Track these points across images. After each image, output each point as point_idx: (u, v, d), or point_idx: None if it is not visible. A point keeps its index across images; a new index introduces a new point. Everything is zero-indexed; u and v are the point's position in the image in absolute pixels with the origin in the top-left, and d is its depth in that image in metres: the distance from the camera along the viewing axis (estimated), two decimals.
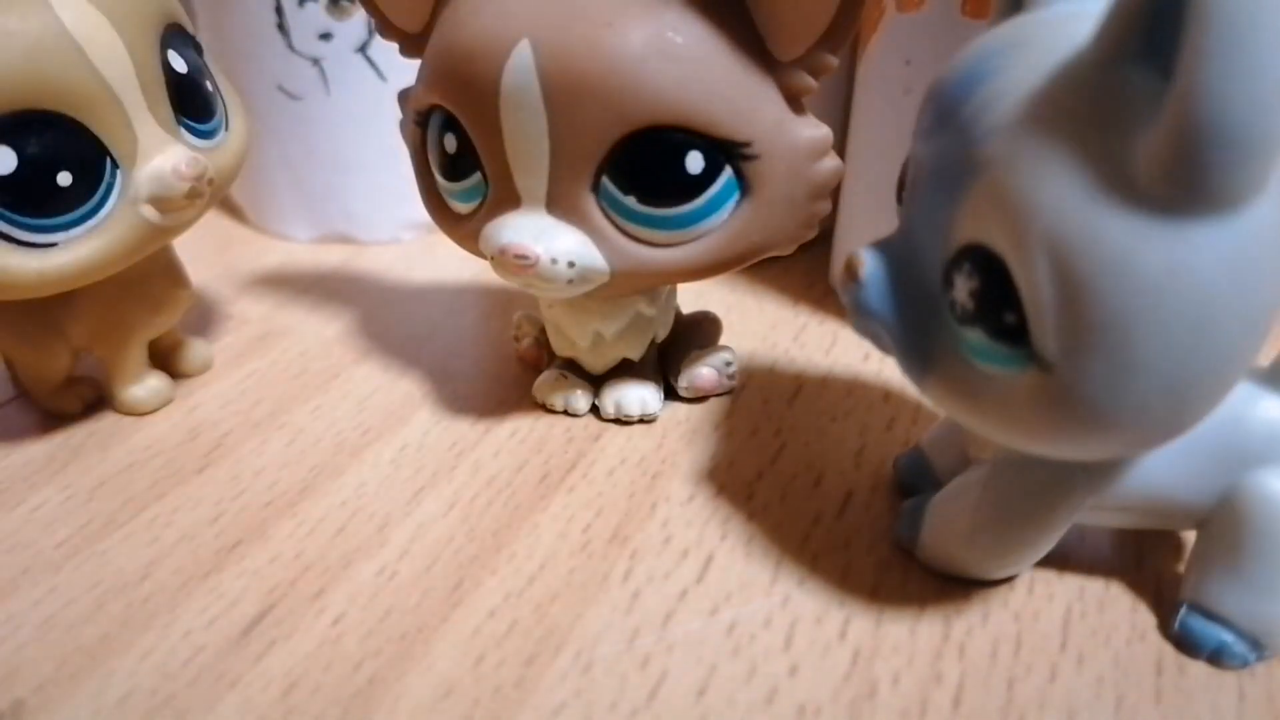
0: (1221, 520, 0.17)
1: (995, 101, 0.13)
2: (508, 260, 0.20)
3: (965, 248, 0.14)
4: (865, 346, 0.27)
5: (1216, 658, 0.17)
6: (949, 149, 0.14)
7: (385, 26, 0.22)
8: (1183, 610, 0.18)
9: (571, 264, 0.20)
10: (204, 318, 0.29)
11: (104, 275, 0.21)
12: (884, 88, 0.27)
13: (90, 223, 0.20)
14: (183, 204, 0.21)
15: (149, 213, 0.21)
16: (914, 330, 0.15)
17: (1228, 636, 0.17)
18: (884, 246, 0.16)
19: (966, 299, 0.14)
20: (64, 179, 0.20)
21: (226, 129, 0.24)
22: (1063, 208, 0.12)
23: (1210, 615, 0.17)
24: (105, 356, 0.24)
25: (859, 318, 0.16)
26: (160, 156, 0.21)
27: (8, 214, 0.20)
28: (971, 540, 0.18)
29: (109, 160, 0.20)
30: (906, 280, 0.15)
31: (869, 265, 0.16)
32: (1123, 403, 0.13)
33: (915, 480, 0.21)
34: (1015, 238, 0.13)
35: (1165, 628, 0.18)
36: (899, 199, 0.17)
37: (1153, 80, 0.12)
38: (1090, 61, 0.13)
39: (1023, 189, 0.13)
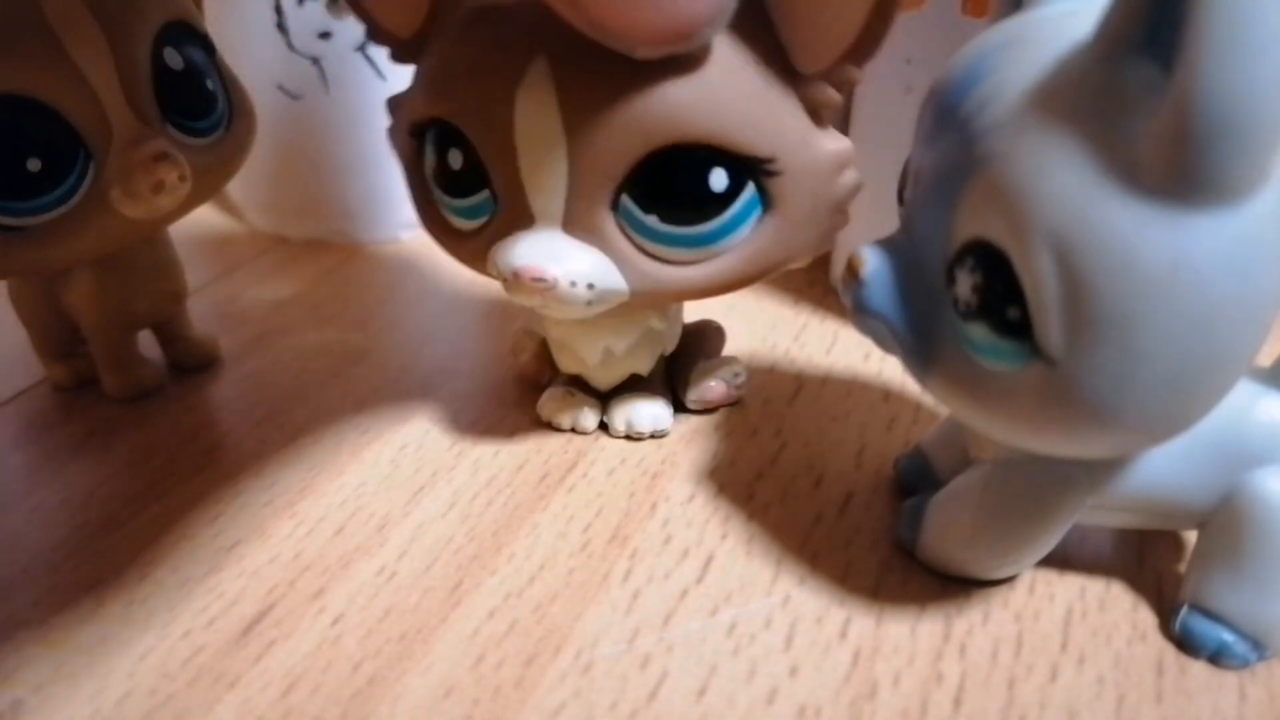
0: (1222, 520, 0.17)
1: (995, 98, 0.13)
2: (523, 283, 0.19)
3: (968, 244, 0.14)
4: (865, 346, 0.27)
5: (1217, 658, 0.17)
6: (949, 147, 0.14)
7: (375, 30, 0.21)
8: (1184, 610, 0.18)
9: (591, 285, 0.19)
10: (203, 317, 0.29)
11: (77, 262, 0.22)
12: (884, 86, 0.27)
13: (61, 209, 0.21)
14: (149, 196, 0.21)
15: (118, 203, 0.21)
16: (917, 328, 0.15)
17: (1228, 636, 0.17)
18: (886, 245, 0.16)
19: (969, 294, 0.14)
20: (33, 164, 0.20)
21: (226, 129, 0.24)
22: (1066, 201, 0.12)
23: (1211, 615, 0.17)
24: (90, 339, 0.25)
25: (861, 317, 0.16)
26: (132, 149, 0.21)
27: None
28: (972, 540, 0.18)
29: (81, 149, 0.21)
30: (909, 278, 0.15)
31: (871, 264, 0.15)
32: (1126, 397, 0.13)
33: (916, 480, 0.21)
34: (1018, 232, 0.13)
35: (1166, 628, 0.18)
36: (900, 199, 0.17)
37: (1154, 73, 0.12)
38: (1091, 56, 0.13)
39: (1025, 183, 0.13)
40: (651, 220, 0.19)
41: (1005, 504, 0.17)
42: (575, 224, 0.19)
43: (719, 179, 0.19)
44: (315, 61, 0.32)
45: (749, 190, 0.19)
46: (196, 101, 0.23)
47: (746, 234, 0.20)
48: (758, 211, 0.19)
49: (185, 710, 0.17)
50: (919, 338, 0.15)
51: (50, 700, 0.17)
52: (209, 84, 0.23)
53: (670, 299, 0.21)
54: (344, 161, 0.34)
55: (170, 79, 0.22)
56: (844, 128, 0.30)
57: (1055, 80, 0.13)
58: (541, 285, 0.19)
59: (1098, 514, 0.17)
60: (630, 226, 0.19)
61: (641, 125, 0.18)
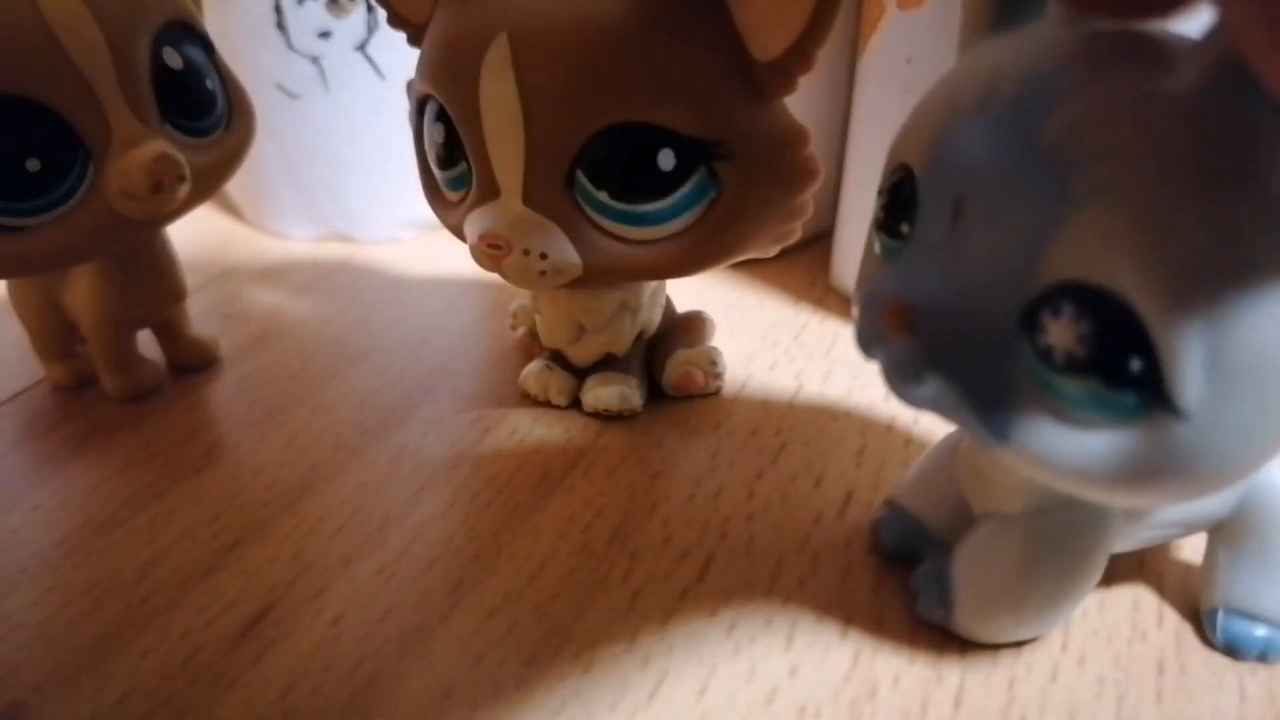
0: (1243, 521, 0.17)
1: (1087, 125, 0.12)
2: (483, 249, 0.20)
3: (1063, 286, 0.12)
4: None
5: (1265, 655, 0.17)
6: (1023, 176, 0.12)
7: (393, 16, 0.22)
8: (1220, 615, 0.17)
9: (544, 256, 0.20)
10: (203, 317, 0.29)
11: (75, 262, 0.22)
12: (885, 86, 0.27)
13: (59, 209, 0.21)
14: (148, 196, 0.21)
15: (116, 204, 0.21)
16: (986, 386, 0.13)
17: (1272, 633, 0.17)
18: (919, 289, 0.14)
19: (1074, 345, 0.12)
20: (33, 164, 0.20)
21: (226, 129, 0.24)
22: (1211, 240, 0.11)
23: (1248, 615, 0.17)
24: (90, 339, 0.25)
25: (907, 382, 0.14)
26: (133, 150, 0.21)
27: None
28: (1023, 603, 0.17)
29: (81, 149, 0.21)
30: (961, 327, 0.13)
31: (914, 314, 0.13)
32: (1248, 449, 0.12)
33: (905, 542, 0.19)
34: (1151, 275, 0.11)
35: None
36: (888, 208, 0.15)
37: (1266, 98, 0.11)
38: (1198, 85, 0.12)
39: (1159, 222, 0.11)
40: (603, 196, 0.20)
41: (1050, 557, 0.16)
42: (533, 197, 0.20)
43: (666, 159, 0.19)
44: (315, 61, 0.32)
45: (699, 173, 0.19)
46: (196, 101, 0.23)
47: (698, 216, 0.20)
48: (709, 194, 0.20)
49: (185, 710, 0.17)
50: (991, 397, 0.13)
51: (50, 700, 0.17)
52: (208, 84, 0.23)
53: (625, 276, 0.22)
54: (344, 161, 0.34)
55: (170, 79, 0.22)
56: (844, 127, 0.30)
57: (1168, 111, 0.12)
58: (497, 253, 0.20)
59: (1126, 540, 0.17)
60: (584, 202, 0.20)
61: (591, 103, 0.19)
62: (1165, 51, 0.12)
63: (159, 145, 0.21)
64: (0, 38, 0.19)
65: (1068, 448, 0.13)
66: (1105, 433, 0.13)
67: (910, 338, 0.13)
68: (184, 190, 0.22)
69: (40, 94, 0.20)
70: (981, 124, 0.13)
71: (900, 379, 0.14)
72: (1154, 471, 0.12)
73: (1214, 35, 0.12)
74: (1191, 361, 0.12)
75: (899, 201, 0.15)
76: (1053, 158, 0.12)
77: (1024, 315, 0.13)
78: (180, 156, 0.21)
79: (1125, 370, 0.12)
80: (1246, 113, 0.11)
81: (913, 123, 0.15)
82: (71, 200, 0.21)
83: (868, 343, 0.14)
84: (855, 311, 0.15)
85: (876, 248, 0.16)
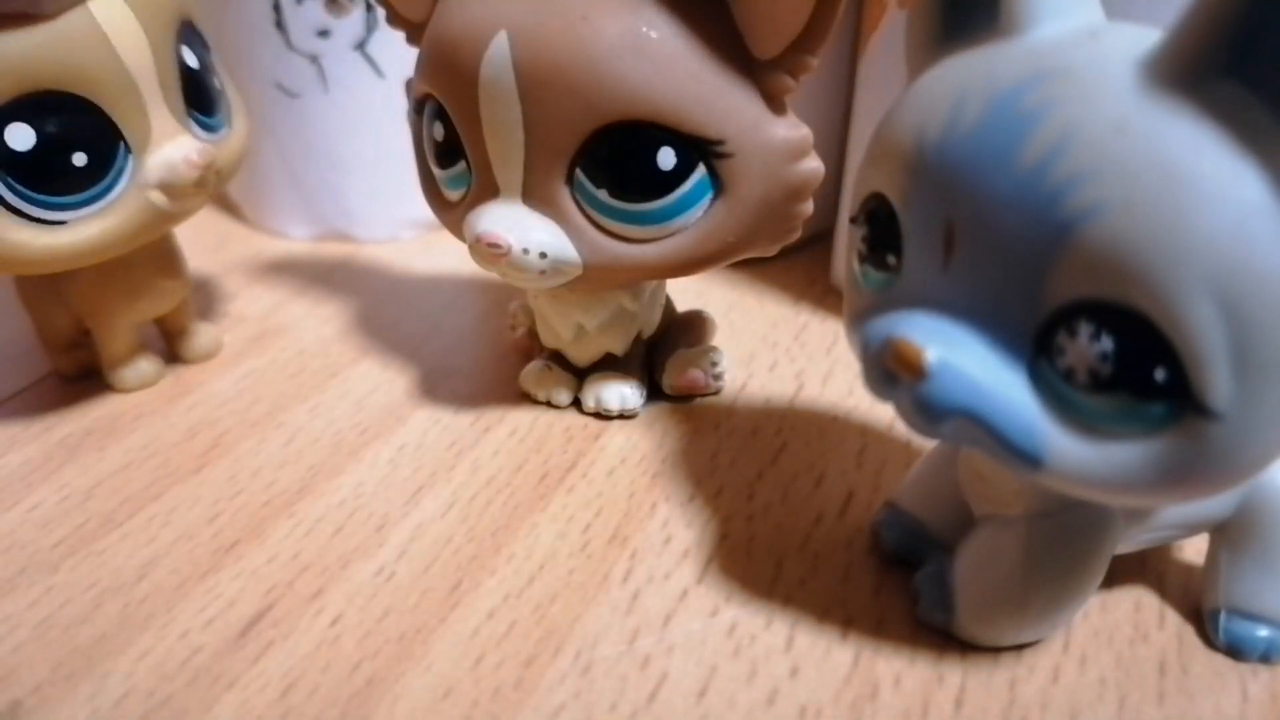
0: (1246, 521, 0.17)
1: (1067, 144, 0.12)
2: (482, 248, 0.20)
3: (1074, 306, 0.12)
4: None
5: (1268, 656, 0.17)
6: (1008, 202, 0.12)
7: (392, 15, 0.23)
8: (1222, 617, 0.17)
9: (544, 255, 0.20)
10: (202, 316, 0.29)
11: (109, 255, 0.22)
12: (885, 86, 0.27)
13: (99, 204, 0.21)
14: (191, 191, 0.22)
15: (157, 198, 0.22)
16: (1008, 414, 0.13)
17: (1274, 633, 0.17)
18: (925, 324, 0.13)
19: (1096, 363, 0.12)
20: (79, 159, 0.21)
21: (229, 125, 0.24)
22: (1222, 240, 0.11)
23: (1251, 616, 0.17)
24: (94, 331, 0.25)
25: (929, 423, 0.13)
26: (171, 145, 0.22)
27: (22, 190, 0.20)
28: (1025, 607, 0.17)
29: (122, 145, 0.21)
30: (977, 355, 0.13)
31: (935, 351, 0.13)
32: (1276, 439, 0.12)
33: (907, 545, 0.19)
34: (1163, 285, 0.11)
35: (1208, 637, 0.18)
36: (868, 236, 0.15)
37: (1246, 92, 0.11)
38: (1171, 81, 0.11)
39: (1165, 231, 0.11)
40: (603, 195, 0.20)
41: (1051, 561, 0.16)
42: (533, 195, 0.20)
43: (666, 157, 0.19)
44: (314, 60, 0.32)
45: (699, 172, 0.20)
46: (208, 98, 0.23)
47: (698, 215, 0.20)
48: (709, 194, 0.20)
49: (183, 711, 0.16)
50: (1017, 425, 0.13)
51: (48, 700, 0.17)
52: (216, 81, 0.24)
53: (626, 275, 0.22)
54: (343, 160, 0.34)
55: (189, 76, 0.23)
56: (844, 128, 0.30)
57: (1149, 117, 0.11)
58: (496, 252, 0.20)
59: (1128, 542, 0.17)
60: (584, 200, 0.20)
61: (591, 101, 0.19)
62: (1128, 53, 0.12)
63: (195, 140, 0.22)
64: (55, 36, 0.20)
65: (1103, 464, 0.13)
66: (1138, 443, 0.12)
67: (928, 381, 0.13)
68: (215, 185, 0.23)
69: (89, 91, 0.20)
70: (955, 150, 0.13)
71: (921, 420, 0.14)
72: (1192, 473, 0.12)
73: (1181, 29, 0.11)
74: (1217, 363, 0.11)
75: (881, 233, 0.14)
76: (1038, 182, 0.12)
77: (1038, 338, 0.13)
78: (213, 151, 0.22)
79: (1151, 381, 0.12)
80: (1233, 100, 0.11)
81: (878, 150, 0.15)
82: (111, 194, 0.21)
83: (879, 386, 0.14)
84: (859, 353, 0.15)
85: (862, 281, 0.15)
